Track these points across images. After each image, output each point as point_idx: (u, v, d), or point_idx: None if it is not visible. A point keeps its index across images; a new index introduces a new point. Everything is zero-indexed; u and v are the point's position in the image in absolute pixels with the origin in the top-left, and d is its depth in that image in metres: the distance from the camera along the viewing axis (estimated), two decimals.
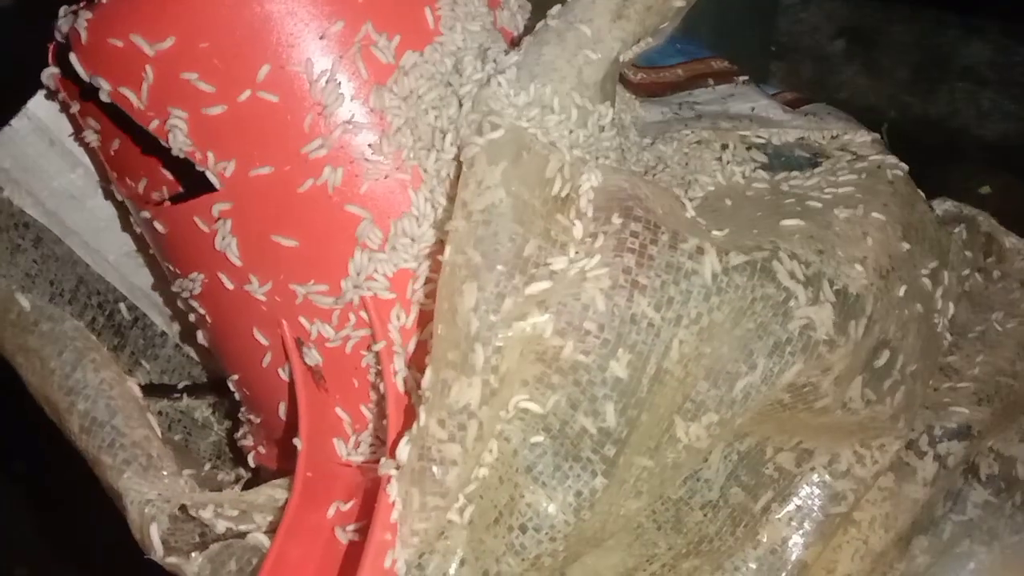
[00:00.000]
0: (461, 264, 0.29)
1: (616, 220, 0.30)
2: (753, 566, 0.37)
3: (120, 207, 0.40)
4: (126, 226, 0.41)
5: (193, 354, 0.44)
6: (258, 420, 0.38)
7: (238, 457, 0.43)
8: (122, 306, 0.42)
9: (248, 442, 0.40)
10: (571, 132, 0.31)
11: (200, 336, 0.39)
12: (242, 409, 0.39)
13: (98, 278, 0.41)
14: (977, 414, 0.43)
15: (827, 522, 0.38)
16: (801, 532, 0.37)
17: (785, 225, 0.34)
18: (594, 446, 0.30)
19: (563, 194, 0.30)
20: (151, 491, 0.29)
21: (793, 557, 0.37)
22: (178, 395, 0.44)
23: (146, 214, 0.35)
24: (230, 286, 0.34)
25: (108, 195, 0.41)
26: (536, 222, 0.29)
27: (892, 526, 0.41)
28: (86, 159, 0.40)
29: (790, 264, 0.32)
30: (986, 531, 0.44)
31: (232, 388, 0.39)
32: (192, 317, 0.38)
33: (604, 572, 0.37)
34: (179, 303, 0.38)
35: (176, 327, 0.43)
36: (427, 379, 0.29)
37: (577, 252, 0.29)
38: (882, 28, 0.89)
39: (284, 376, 0.35)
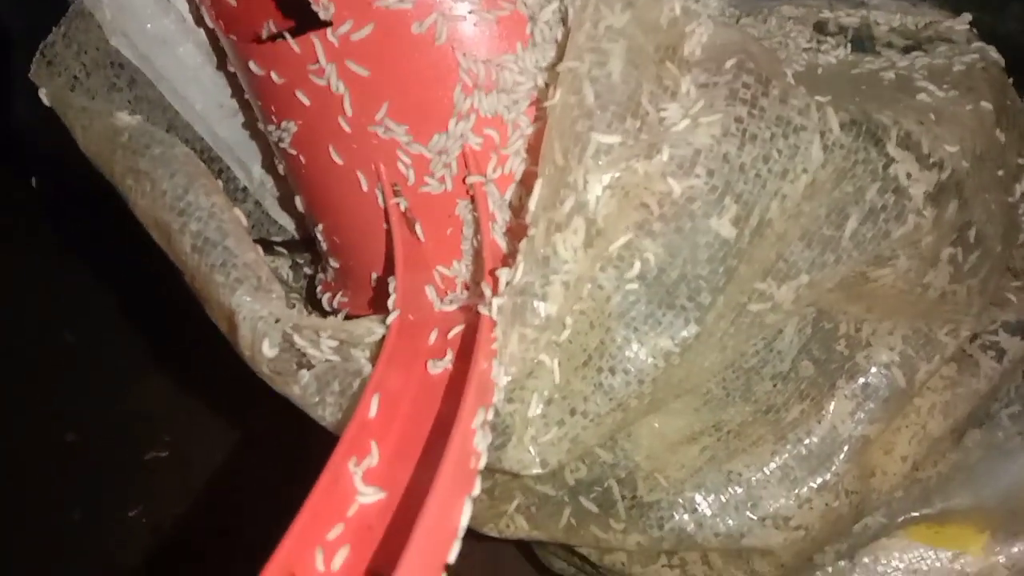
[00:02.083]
0: (573, 104, 0.29)
1: (728, 71, 0.30)
2: (816, 439, 0.38)
3: (213, 53, 0.41)
4: (215, 75, 0.42)
5: (274, 211, 0.45)
6: (345, 268, 0.39)
7: (316, 313, 0.44)
8: (208, 157, 0.43)
9: (330, 293, 0.41)
10: None
11: (291, 184, 0.39)
12: (328, 260, 0.40)
13: (186, 126, 0.42)
14: None
15: (892, 400, 0.38)
16: (866, 409, 0.38)
17: (885, 96, 0.34)
18: (690, 294, 0.30)
19: (675, 42, 0.30)
20: (263, 309, 0.30)
21: (858, 432, 0.38)
22: None
23: (248, 54, 0.35)
24: (331, 128, 0.34)
25: (199, 43, 0.41)
26: (649, 67, 0.29)
27: (951, 414, 0.42)
28: (179, 3, 0.40)
29: (893, 130, 0.32)
30: None
31: (319, 238, 0.39)
32: (283, 167, 0.39)
33: (670, 434, 0.39)
34: (273, 150, 0.38)
35: (258, 180, 0.44)
36: (531, 217, 0.29)
37: (688, 99, 0.30)
38: None
39: (378, 221, 0.35)
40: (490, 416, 0.26)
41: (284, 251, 0.46)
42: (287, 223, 0.46)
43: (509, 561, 0.68)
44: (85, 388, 0.84)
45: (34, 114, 0.87)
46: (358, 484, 0.25)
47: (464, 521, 0.22)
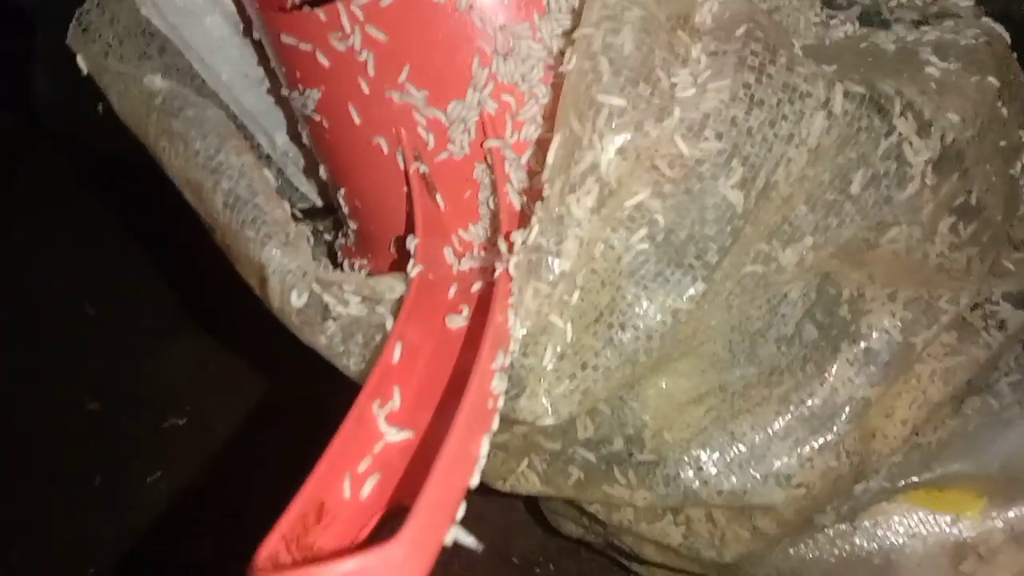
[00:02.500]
0: (588, 70, 0.30)
1: (737, 40, 0.31)
2: (818, 400, 0.39)
3: (240, 23, 0.42)
4: (241, 46, 0.43)
5: (296, 179, 0.47)
6: (366, 231, 0.41)
7: None
8: (233, 125, 0.44)
9: (350, 259, 0.42)
10: None
11: (314, 150, 0.41)
12: (349, 225, 0.42)
13: (213, 95, 0.43)
14: None
15: (893, 365, 0.39)
16: (867, 372, 0.39)
17: (890, 68, 0.35)
18: (698, 252, 0.32)
19: (687, 11, 0.31)
20: (292, 263, 0.32)
21: (859, 395, 0.39)
22: None
23: (273, 22, 0.37)
24: (353, 93, 0.35)
25: (226, 14, 0.42)
26: (661, 35, 0.31)
27: (951, 380, 0.43)
28: None
29: (897, 99, 0.33)
30: None
31: (341, 202, 0.41)
32: (306, 133, 0.40)
33: (677, 395, 0.40)
34: (297, 117, 0.40)
35: (281, 149, 0.46)
36: (547, 178, 0.31)
37: (698, 66, 0.31)
38: None
39: (399, 185, 0.37)
40: (507, 362, 0.27)
41: (305, 218, 0.47)
42: (308, 191, 0.47)
43: (520, 526, 0.69)
44: (106, 359, 0.86)
45: (53, 91, 0.89)
46: (381, 425, 0.27)
47: (484, 451, 0.23)
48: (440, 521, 0.21)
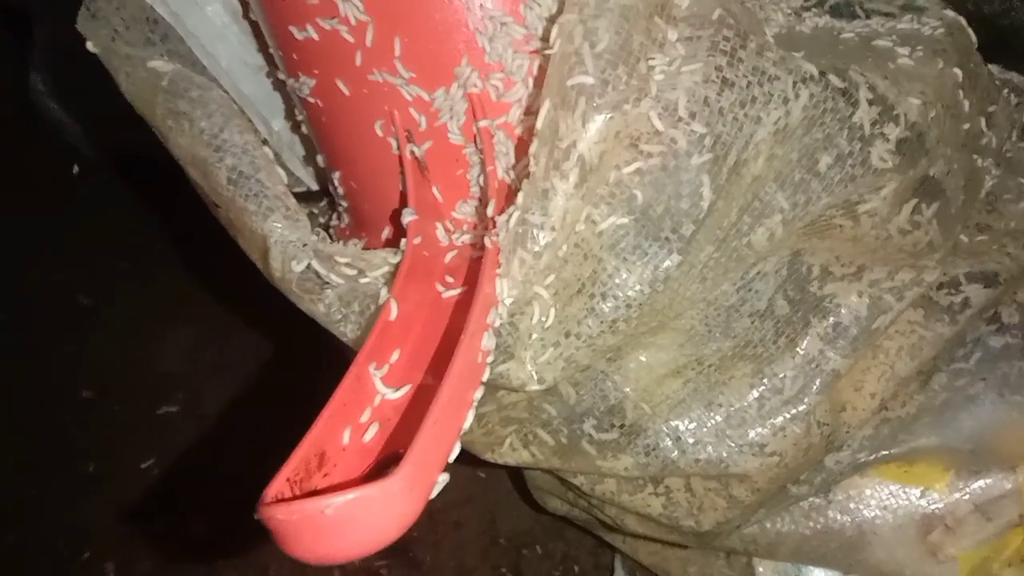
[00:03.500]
0: (570, 53, 0.32)
1: (710, 25, 0.33)
2: (790, 372, 0.41)
3: (240, 9, 0.44)
4: (240, 34, 0.45)
5: (292, 164, 0.48)
6: (360, 211, 0.42)
7: None
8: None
9: (344, 240, 0.44)
10: None
11: (310, 133, 0.42)
12: (343, 206, 0.43)
13: (213, 80, 0.45)
14: (1005, 264, 0.46)
15: (860, 339, 0.41)
16: (836, 346, 0.41)
17: (855, 55, 0.38)
18: (673, 226, 0.34)
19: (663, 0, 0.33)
20: (292, 234, 0.34)
21: (828, 367, 0.41)
22: None
23: (269, 6, 0.38)
24: (348, 76, 0.37)
25: (225, 2, 0.44)
26: (639, 21, 0.33)
27: (917, 356, 0.45)
28: None
29: (861, 83, 0.35)
30: (1000, 376, 0.48)
31: (336, 184, 0.43)
32: (303, 118, 0.42)
33: (657, 368, 0.42)
34: (294, 101, 0.41)
35: (277, 135, 0.47)
36: (532, 156, 0.33)
37: (674, 50, 0.33)
38: None
39: (393, 166, 0.39)
40: (496, 322, 0.29)
41: (299, 202, 0.49)
42: (304, 175, 0.49)
43: (507, 507, 0.71)
44: (100, 348, 0.88)
45: (51, 84, 0.90)
46: (378, 384, 0.29)
47: (476, 397, 0.25)
48: (435, 459, 0.23)
